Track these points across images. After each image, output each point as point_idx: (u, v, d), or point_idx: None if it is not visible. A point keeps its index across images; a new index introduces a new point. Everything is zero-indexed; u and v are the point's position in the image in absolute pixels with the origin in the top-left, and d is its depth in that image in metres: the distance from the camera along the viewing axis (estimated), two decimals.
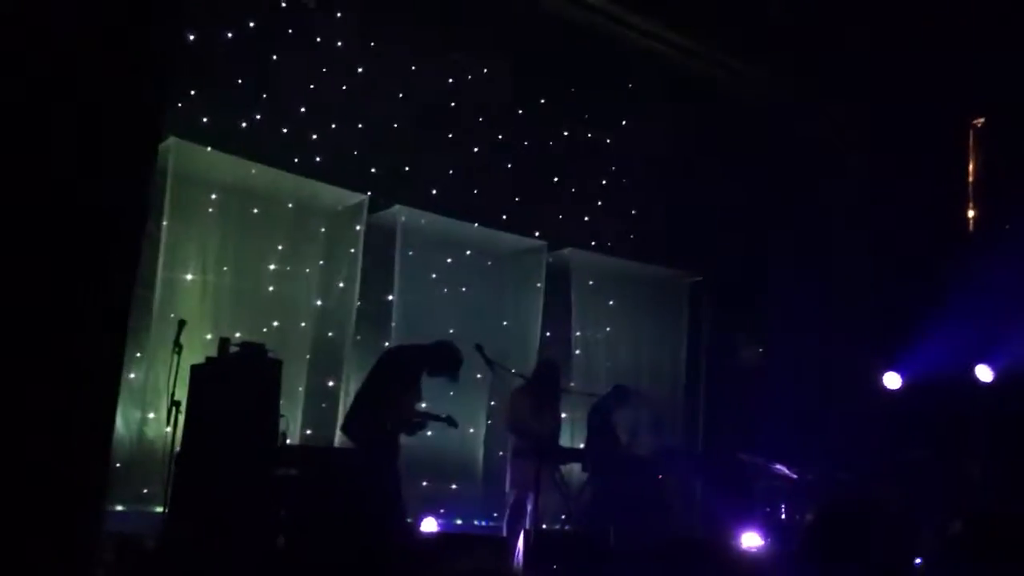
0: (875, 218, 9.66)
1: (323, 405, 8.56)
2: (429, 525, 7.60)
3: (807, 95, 9.68)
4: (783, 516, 8.54)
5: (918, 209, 9.08)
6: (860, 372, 9.42)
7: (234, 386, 5.83)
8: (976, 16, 8.03)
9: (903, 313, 9.01)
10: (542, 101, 9.97)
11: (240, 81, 8.21)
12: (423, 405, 7.17)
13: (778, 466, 8.68)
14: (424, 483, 8.73)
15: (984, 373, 8.34)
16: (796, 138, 9.99)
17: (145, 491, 7.30)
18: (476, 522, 9.06)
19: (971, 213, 9.28)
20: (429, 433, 7.85)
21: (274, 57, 8.36)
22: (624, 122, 10.47)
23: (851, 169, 9.98)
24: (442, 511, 8.72)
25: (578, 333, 10.17)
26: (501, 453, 8.61)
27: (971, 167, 9.28)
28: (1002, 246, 8.89)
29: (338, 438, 8.27)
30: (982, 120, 9.23)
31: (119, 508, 7.13)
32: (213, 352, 6.29)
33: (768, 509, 8.79)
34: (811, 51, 8.85)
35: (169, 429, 6.14)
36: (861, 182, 9.88)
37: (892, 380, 8.88)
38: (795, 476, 8.56)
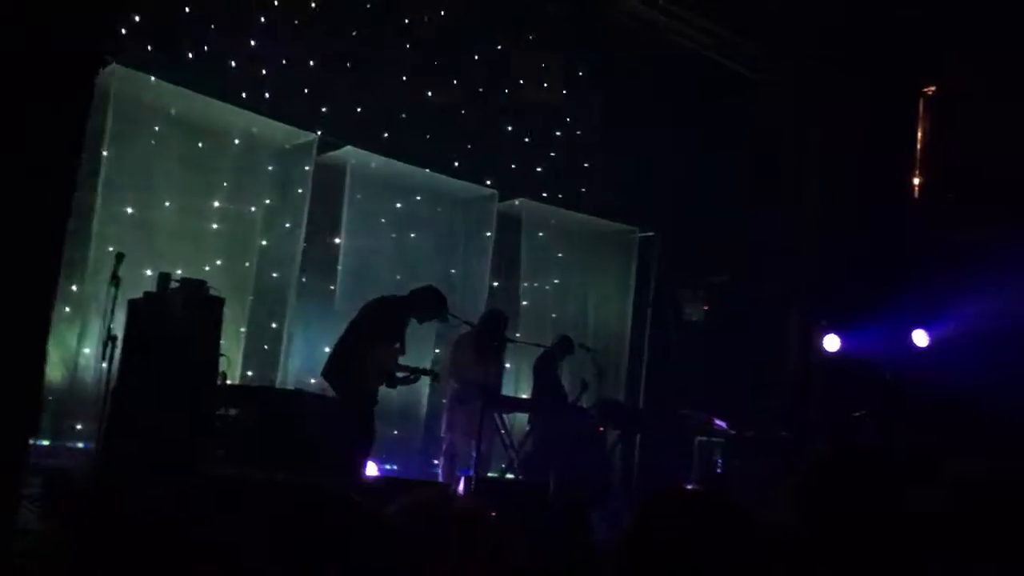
0: (823, 181, 9.74)
1: (265, 347, 8.47)
2: (370, 469, 7.58)
3: (760, 53, 9.65)
4: (719, 470, 8.70)
5: (866, 173, 9.17)
6: (802, 332, 9.57)
7: (173, 322, 5.70)
8: None
9: (846, 276, 9.14)
10: (498, 48, 9.81)
11: (188, 10, 7.93)
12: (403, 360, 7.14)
13: (717, 421, 8.83)
14: None
15: (920, 338, 8.51)
16: (749, 98, 9.97)
17: (79, 426, 7.18)
18: (416, 467, 9.08)
19: (916, 180, 9.40)
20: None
21: None
22: (580, 74, 10.37)
23: (802, 131, 10.01)
24: (383, 456, 8.71)
25: (526, 284, 10.16)
26: (444, 401, 8.59)
27: (919, 135, 9.38)
28: (946, 214, 9.05)
29: (286, 377, 8.25)
30: (932, 88, 9.31)
31: (51, 443, 7.00)
32: (152, 288, 6.14)
33: (705, 462, 8.96)
34: (767, 10, 8.81)
35: (105, 364, 6.01)
36: (812, 144, 9.93)
37: (831, 342, 9.03)
38: (733, 432, 8.72)
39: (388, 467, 8.66)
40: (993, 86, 8.47)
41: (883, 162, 9.32)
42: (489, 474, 8.19)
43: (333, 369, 6.85)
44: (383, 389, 8.17)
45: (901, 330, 8.55)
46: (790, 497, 2.14)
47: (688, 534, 1.85)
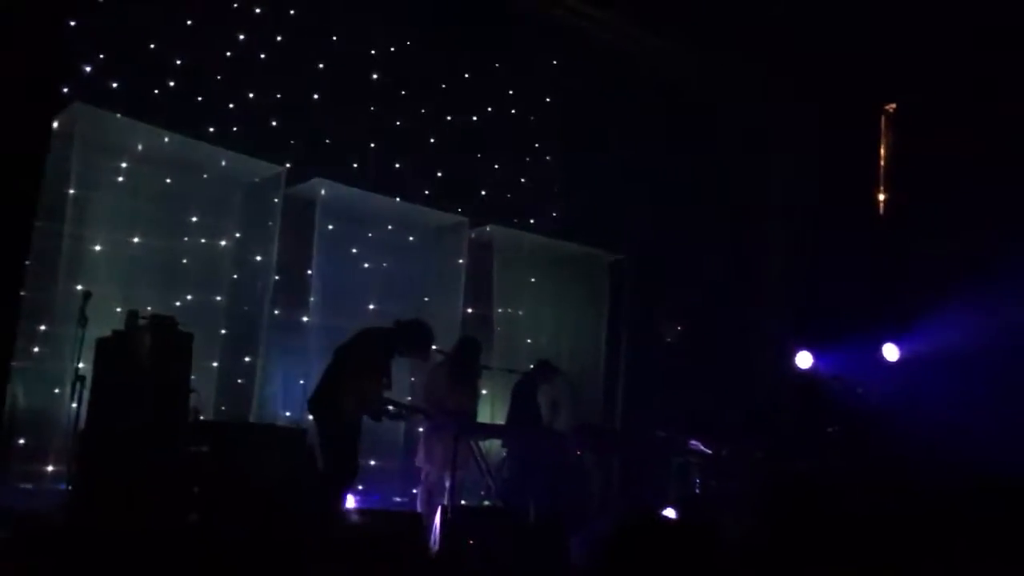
0: (791, 198, 9.86)
1: (239, 381, 8.41)
2: (347, 502, 7.53)
3: (727, 75, 9.78)
4: (696, 490, 8.71)
5: (833, 191, 9.29)
6: (775, 350, 9.64)
7: (142, 360, 5.67)
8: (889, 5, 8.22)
9: (816, 293, 9.23)
10: (466, 76, 9.88)
11: (152, 46, 7.93)
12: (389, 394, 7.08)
13: (693, 442, 8.85)
14: None
15: (890, 352, 8.60)
16: (716, 118, 10.10)
17: (49, 468, 7.08)
18: (395, 498, 9.02)
19: (881, 196, 9.53)
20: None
21: (188, 22, 8.10)
22: (548, 99, 10.45)
23: (770, 150, 10.14)
24: (360, 487, 8.65)
25: (499, 310, 10.16)
26: (420, 429, 8.56)
27: (882, 151, 9.53)
28: (911, 229, 9.18)
29: (260, 412, 8.19)
30: (893, 105, 9.47)
31: (23, 486, 6.91)
32: (121, 325, 6.10)
33: (682, 482, 8.98)
34: (732, 31, 8.94)
35: (74, 405, 5.95)
36: (778, 162, 10.06)
37: (804, 359, 9.11)
38: (709, 451, 8.74)
39: (369, 497, 8.60)
40: (951, 101, 8.63)
41: (848, 179, 9.45)
42: (466, 502, 8.17)
43: (317, 401, 6.79)
44: (367, 421, 8.18)
45: (871, 345, 8.64)
46: (757, 516, 2.17)
47: (653, 562, 1.88)
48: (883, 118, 9.54)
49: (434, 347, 7.72)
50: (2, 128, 3.09)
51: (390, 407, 7.13)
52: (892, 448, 7.78)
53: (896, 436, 7.86)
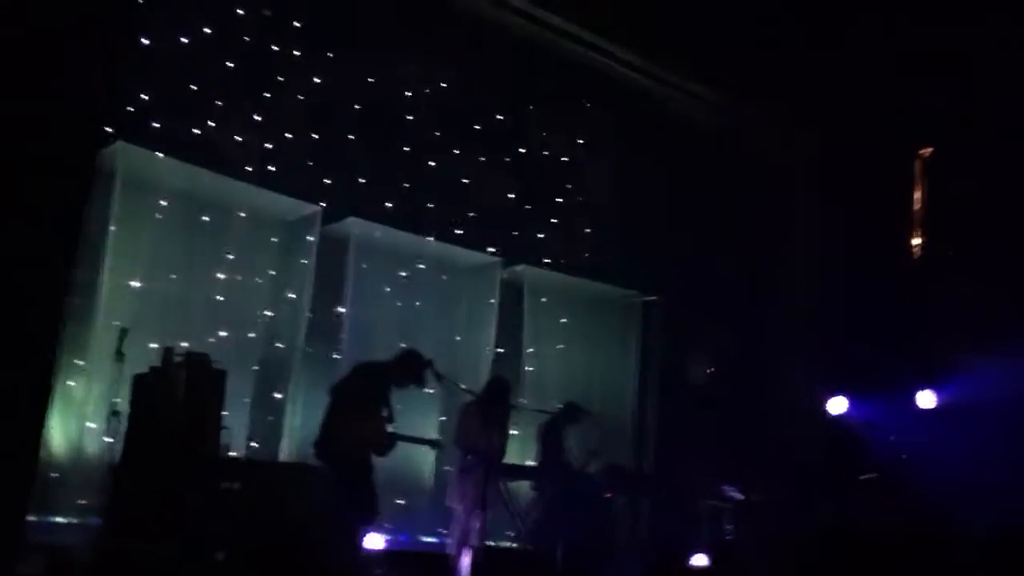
0: (824, 244, 9.80)
1: (269, 418, 8.44)
2: (375, 542, 7.50)
3: (760, 119, 9.80)
4: (728, 536, 8.60)
5: (866, 236, 9.22)
6: (807, 396, 9.53)
7: (176, 397, 5.72)
8: (921, 49, 8.22)
9: (850, 338, 9.14)
10: (499, 117, 9.98)
11: (194, 87, 8.09)
12: (393, 427, 7.06)
13: (726, 487, 8.75)
14: None
15: (925, 399, 8.47)
16: (748, 161, 10.10)
17: (83, 502, 7.13)
18: (423, 538, 8.97)
19: (916, 241, 9.45)
20: None
21: (229, 64, 8.26)
22: (580, 141, 10.52)
23: (801, 195, 10.11)
24: (388, 527, 8.62)
25: (530, 350, 10.15)
26: (448, 468, 8.53)
27: (917, 196, 9.46)
28: (946, 273, 9.08)
29: (291, 449, 8.22)
30: (929, 150, 9.42)
31: (57, 520, 6.95)
32: (157, 361, 6.17)
33: (715, 529, 8.87)
34: (764, 75, 8.97)
35: (109, 439, 6.01)
36: (811, 208, 10.02)
37: (837, 405, 8.99)
38: (742, 497, 8.63)
39: (398, 538, 8.56)
40: (985, 147, 8.58)
41: (881, 224, 9.39)
42: (496, 543, 8.11)
43: (321, 445, 6.78)
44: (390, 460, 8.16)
45: (905, 392, 8.51)
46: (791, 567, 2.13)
47: None
48: (918, 162, 9.48)
49: (459, 385, 7.73)
50: (49, 165, 3.16)
51: (395, 440, 7.02)
52: (925, 498, 7.63)
53: (930, 486, 7.71)
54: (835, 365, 9.22)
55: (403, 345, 8.50)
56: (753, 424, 9.28)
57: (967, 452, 7.54)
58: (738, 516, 8.57)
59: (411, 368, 7.07)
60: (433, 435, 9.14)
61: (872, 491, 8.02)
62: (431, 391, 8.62)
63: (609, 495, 8.91)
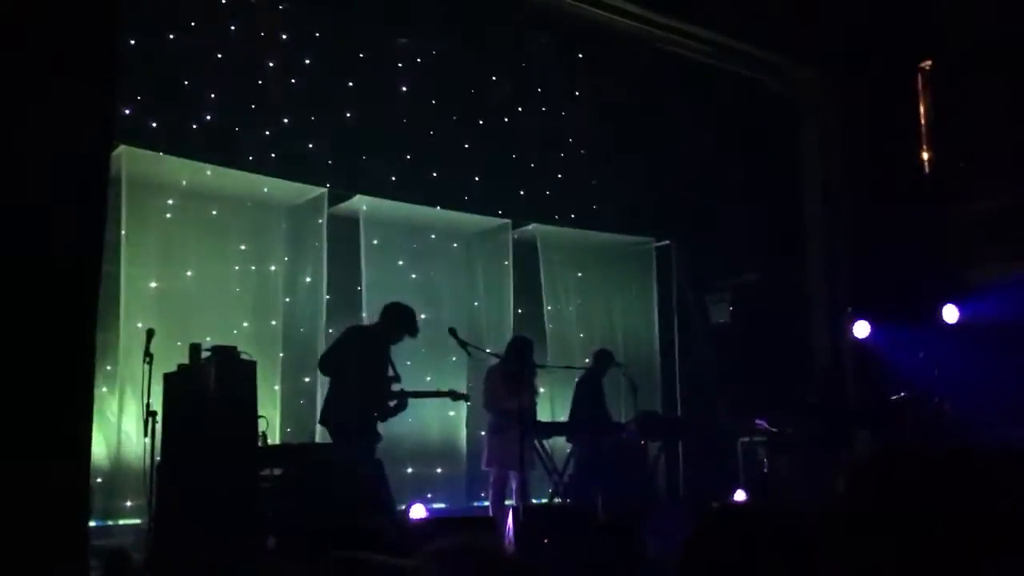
0: (834, 168, 9.73)
1: (301, 402, 8.53)
2: (418, 512, 7.60)
3: (758, 52, 9.68)
4: (765, 470, 8.65)
5: (876, 155, 9.15)
6: (831, 322, 9.53)
7: (209, 391, 5.77)
8: None
9: (868, 259, 9.11)
10: (493, 77, 9.91)
11: (186, 83, 8.08)
12: (400, 385, 7.10)
13: (759, 421, 8.79)
14: (409, 470, 8.75)
15: (950, 313, 8.46)
16: (751, 96, 10.01)
17: (128, 504, 7.25)
18: (465, 504, 9.09)
19: (925, 155, 9.38)
20: (410, 420, 7.86)
21: (219, 55, 8.23)
22: (577, 93, 10.45)
23: (807, 123, 10.02)
24: (429, 496, 8.74)
25: (549, 307, 10.19)
26: (483, 433, 8.62)
27: (922, 109, 9.37)
28: (959, 185, 9.02)
29: (318, 432, 8.30)
30: (929, 62, 9.31)
31: (103, 523, 7.08)
32: (185, 359, 6.22)
33: (750, 464, 8.93)
34: (758, 8, 8.85)
35: (147, 440, 6.09)
36: (818, 135, 9.93)
37: (861, 328, 8.98)
38: (775, 430, 8.67)
39: (436, 506, 8.67)
40: (989, 56, 8.47)
41: (891, 141, 9.31)
42: (537, 501, 8.20)
43: (328, 418, 6.83)
44: (418, 425, 8.21)
45: (931, 309, 8.49)
46: (842, 500, 2.13)
47: (740, 555, 1.88)
48: (919, 75, 9.37)
49: (482, 349, 7.74)
50: (66, 173, 3.18)
51: (406, 398, 6.98)
52: (961, 414, 7.66)
53: (963, 402, 7.74)
54: (856, 288, 9.20)
55: (423, 316, 8.58)
56: (779, 357, 9.29)
57: (996, 367, 7.55)
58: (773, 449, 8.62)
59: (398, 320, 7.03)
60: (462, 401, 9.25)
61: (905, 410, 8.04)
62: (455, 358, 8.74)
63: (643, 443, 8.97)
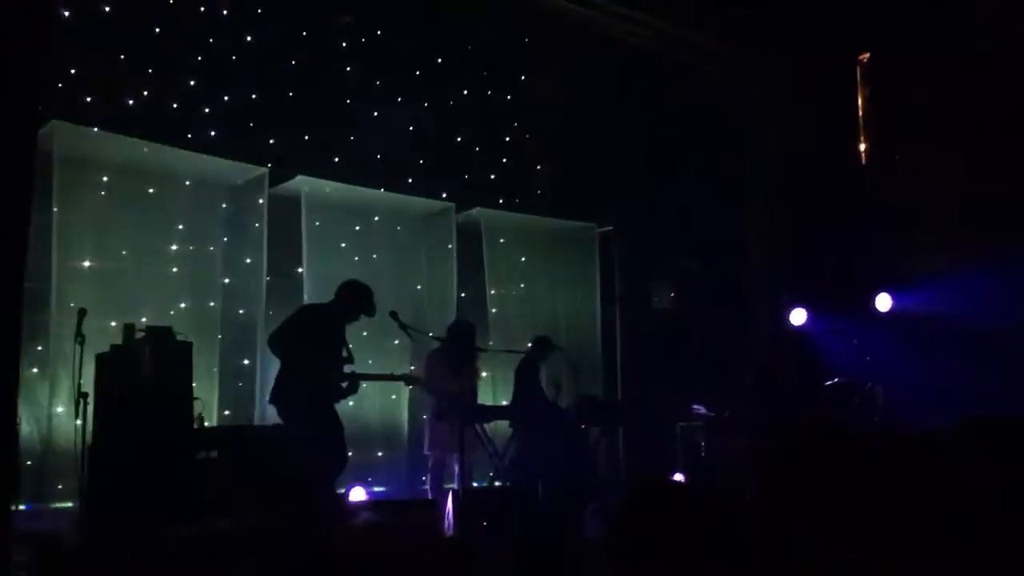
0: (774, 159, 9.87)
1: (239, 384, 8.44)
2: (358, 494, 7.58)
3: (702, 41, 9.77)
4: (702, 454, 8.80)
5: (815, 146, 9.30)
6: (768, 309, 9.68)
7: (142, 372, 5.68)
8: None
9: (806, 248, 9.27)
10: (439, 60, 9.85)
11: (122, 57, 7.89)
12: (352, 367, 7.05)
13: (696, 406, 8.92)
14: (350, 453, 8.70)
15: (883, 302, 8.65)
16: (691, 81, 10.10)
17: (60, 487, 7.10)
18: (405, 486, 9.09)
19: (862, 147, 9.55)
20: (351, 403, 7.82)
21: (156, 30, 8.05)
22: (523, 77, 10.44)
23: (746, 108, 10.14)
24: (370, 479, 8.71)
25: (492, 291, 10.20)
26: (424, 417, 8.62)
27: (859, 101, 9.54)
28: (894, 176, 9.21)
29: (263, 414, 8.21)
30: (867, 55, 9.47)
31: (34, 506, 6.93)
32: (119, 339, 6.10)
33: (688, 447, 9.07)
34: None
35: (79, 422, 5.96)
36: (759, 125, 10.06)
37: (798, 316, 9.16)
38: (712, 414, 8.81)
39: (377, 490, 8.66)
40: (924, 47, 8.64)
41: (828, 132, 9.47)
42: (478, 484, 8.24)
43: (278, 399, 6.76)
44: (359, 409, 8.18)
45: (864, 296, 8.69)
46: (757, 479, 2.18)
47: (667, 527, 1.91)
48: (858, 68, 9.54)
49: (423, 332, 7.72)
50: None
51: (357, 380, 6.97)
52: (890, 399, 7.87)
53: (893, 388, 7.96)
54: (793, 276, 9.37)
55: None
56: (718, 343, 9.43)
57: (925, 355, 7.77)
58: (710, 433, 8.76)
59: (355, 299, 6.98)
60: (404, 385, 9.22)
61: (839, 394, 8.23)
62: (397, 341, 8.70)
63: (584, 426, 9.04)
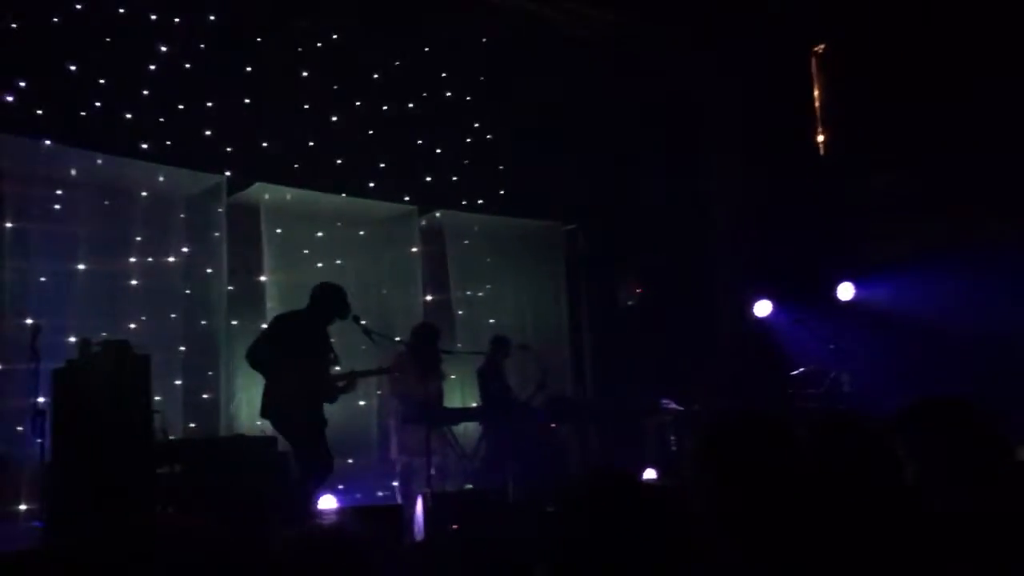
0: (733, 153, 9.91)
1: (204, 396, 8.34)
2: (328, 502, 7.52)
3: (656, 35, 9.80)
4: (673, 448, 8.81)
5: (773, 138, 9.34)
6: (734, 302, 9.72)
7: (100, 387, 5.59)
8: None
9: (768, 240, 9.32)
10: (396, 63, 9.79)
11: (73, 68, 7.77)
12: (337, 368, 6.97)
13: (665, 401, 8.94)
14: None
15: (844, 292, 8.71)
16: (651, 80, 10.11)
17: (22, 507, 6.98)
18: (377, 493, 9.02)
19: (820, 137, 9.61)
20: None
21: (107, 39, 7.92)
22: (482, 78, 10.40)
23: (705, 106, 10.18)
24: (341, 487, 8.63)
25: (458, 294, 10.16)
26: (393, 422, 8.56)
27: (816, 93, 9.60)
28: (852, 168, 9.28)
29: (229, 425, 8.13)
30: (822, 46, 9.54)
31: None
32: (75, 355, 6.01)
33: (660, 443, 9.08)
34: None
35: (38, 440, 5.87)
36: (717, 119, 10.10)
37: (762, 308, 9.20)
38: (681, 409, 8.84)
39: (350, 495, 8.58)
40: (880, 38, 8.71)
41: (787, 124, 9.52)
42: (447, 487, 8.19)
43: (270, 408, 6.71)
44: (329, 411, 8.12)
45: (827, 286, 8.75)
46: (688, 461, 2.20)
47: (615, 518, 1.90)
48: (813, 59, 9.60)
49: (384, 336, 7.68)
50: None
51: (354, 378, 7.00)
52: (852, 386, 7.94)
53: (855, 375, 8.02)
54: (757, 269, 9.41)
55: None
56: (685, 338, 9.45)
57: (886, 343, 7.85)
58: (680, 428, 8.77)
59: (331, 301, 6.92)
60: (373, 390, 9.18)
61: (805, 384, 8.27)
62: (364, 347, 8.63)
63: (554, 425, 9.03)
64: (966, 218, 8.10)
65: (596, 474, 2.12)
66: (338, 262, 9.34)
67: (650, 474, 8.53)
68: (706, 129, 10.16)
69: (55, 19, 7.69)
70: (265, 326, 7.10)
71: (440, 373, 8.24)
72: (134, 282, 8.03)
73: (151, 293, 8.10)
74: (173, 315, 8.18)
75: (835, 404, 7.96)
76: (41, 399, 5.97)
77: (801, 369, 8.41)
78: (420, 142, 9.97)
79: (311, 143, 9.16)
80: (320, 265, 9.21)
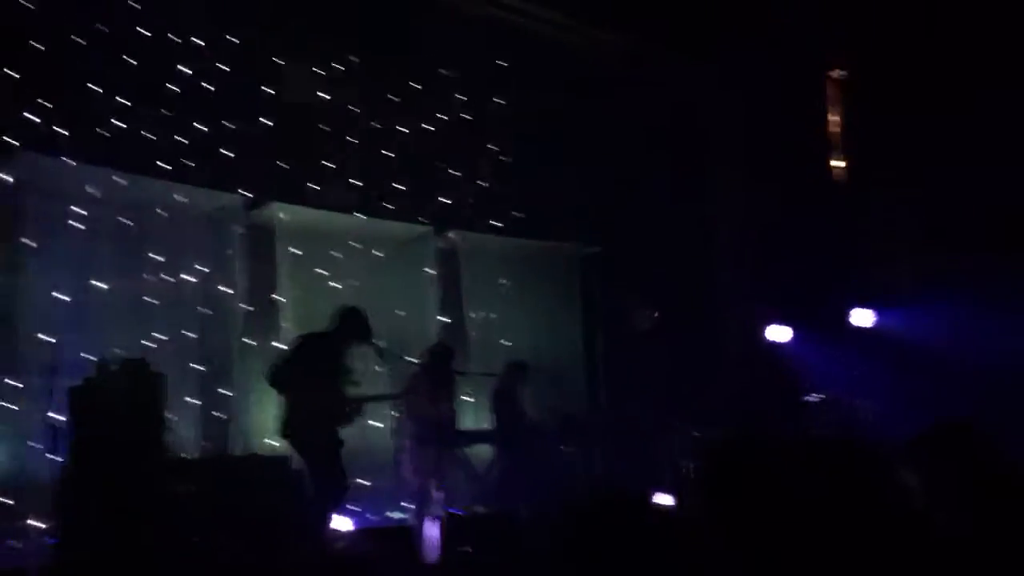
0: (748, 178, 9.92)
1: (220, 415, 8.35)
2: (343, 523, 7.50)
3: (667, 59, 9.83)
4: (685, 472, 8.75)
5: (788, 163, 9.34)
6: (748, 327, 9.70)
7: (115, 405, 5.62)
8: None
9: (783, 266, 9.30)
10: (412, 84, 9.86)
11: (95, 88, 7.85)
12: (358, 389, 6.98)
13: (678, 424, 8.90)
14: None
15: (859, 318, 8.67)
16: (665, 104, 10.14)
17: (36, 524, 6.99)
18: (392, 515, 8.99)
19: (836, 164, 9.60)
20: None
21: (128, 59, 8.01)
22: (502, 101, 10.45)
23: (720, 131, 10.20)
24: (355, 508, 8.62)
25: (472, 315, 10.16)
26: (407, 443, 8.54)
27: (834, 118, 9.59)
28: (871, 193, 9.27)
29: (244, 444, 8.14)
30: (840, 72, 9.54)
31: (10, 543, 6.82)
32: (92, 372, 6.04)
33: (674, 467, 9.03)
34: (663, 14, 8.98)
35: (53, 456, 5.90)
36: (734, 143, 10.11)
37: (776, 332, 9.17)
38: (695, 433, 8.79)
39: (365, 516, 8.56)
40: (898, 64, 8.71)
41: (803, 149, 9.52)
42: (459, 510, 8.15)
43: (289, 429, 6.72)
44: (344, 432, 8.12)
45: (843, 313, 8.71)
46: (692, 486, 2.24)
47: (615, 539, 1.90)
48: (831, 85, 9.60)
49: (397, 355, 7.68)
50: None
51: (363, 403, 6.99)
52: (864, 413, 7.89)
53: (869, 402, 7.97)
54: (772, 294, 9.38)
55: None
56: (701, 362, 9.42)
57: (899, 369, 7.80)
58: (693, 451, 8.72)
59: (355, 326, 6.93)
60: (388, 411, 9.17)
61: (818, 410, 8.22)
62: (379, 368, 8.64)
63: (566, 448, 9.00)
64: (979, 248, 8.05)
65: (605, 496, 2.13)
66: (353, 282, 9.37)
67: (666, 499, 8.48)
68: (712, 152, 10.17)
69: (77, 39, 7.79)
70: (287, 346, 7.09)
71: (454, 394, 8.23)
72: (152, 300, 8.07)
73: (168, 312, 8.13)
74: (190, 334, 8.22)
75: (847, 430, 7.91)
76: (57, 416, 6.00)
77: (814, 396, 8.35)
78: (437, 164, 10.02)
79: (328, 163, 9.22)
80: (335, 285, 9.24)
